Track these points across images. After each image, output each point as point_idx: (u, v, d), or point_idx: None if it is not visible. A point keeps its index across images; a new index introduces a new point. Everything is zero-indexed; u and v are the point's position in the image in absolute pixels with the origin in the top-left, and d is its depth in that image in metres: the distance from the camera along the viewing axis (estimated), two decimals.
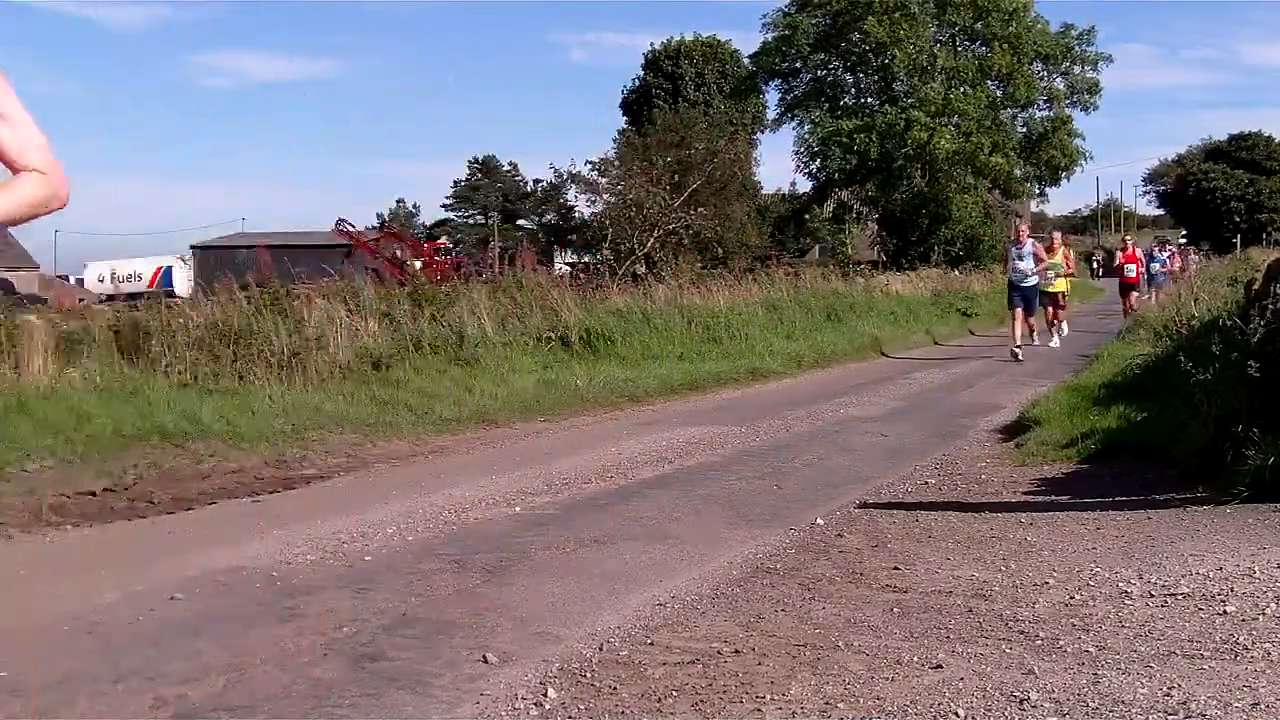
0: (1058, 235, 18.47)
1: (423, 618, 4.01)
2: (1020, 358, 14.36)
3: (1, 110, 2.14)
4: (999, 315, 22.30)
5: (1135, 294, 20.57)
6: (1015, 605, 3.93)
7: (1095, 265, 51.92)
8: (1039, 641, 3.50)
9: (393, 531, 5.39)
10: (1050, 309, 17.18)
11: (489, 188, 74.94)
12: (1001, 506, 5.72)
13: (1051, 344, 16.54)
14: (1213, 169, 68.60)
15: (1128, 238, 23.20)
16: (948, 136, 31.22)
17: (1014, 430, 8.51)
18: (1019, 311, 14.93)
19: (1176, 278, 25.16)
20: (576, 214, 27.25)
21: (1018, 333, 14.81)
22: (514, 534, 5.36)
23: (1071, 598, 3.95)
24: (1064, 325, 17.48)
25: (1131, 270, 20.90)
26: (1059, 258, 16.94)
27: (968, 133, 31.88)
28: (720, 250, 22.90)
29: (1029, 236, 16.03)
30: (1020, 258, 15.24)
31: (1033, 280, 15.17)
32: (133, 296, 13.69)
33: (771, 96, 38.00)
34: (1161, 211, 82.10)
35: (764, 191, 41.03)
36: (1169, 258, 27.37)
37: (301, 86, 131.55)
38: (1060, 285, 17.01)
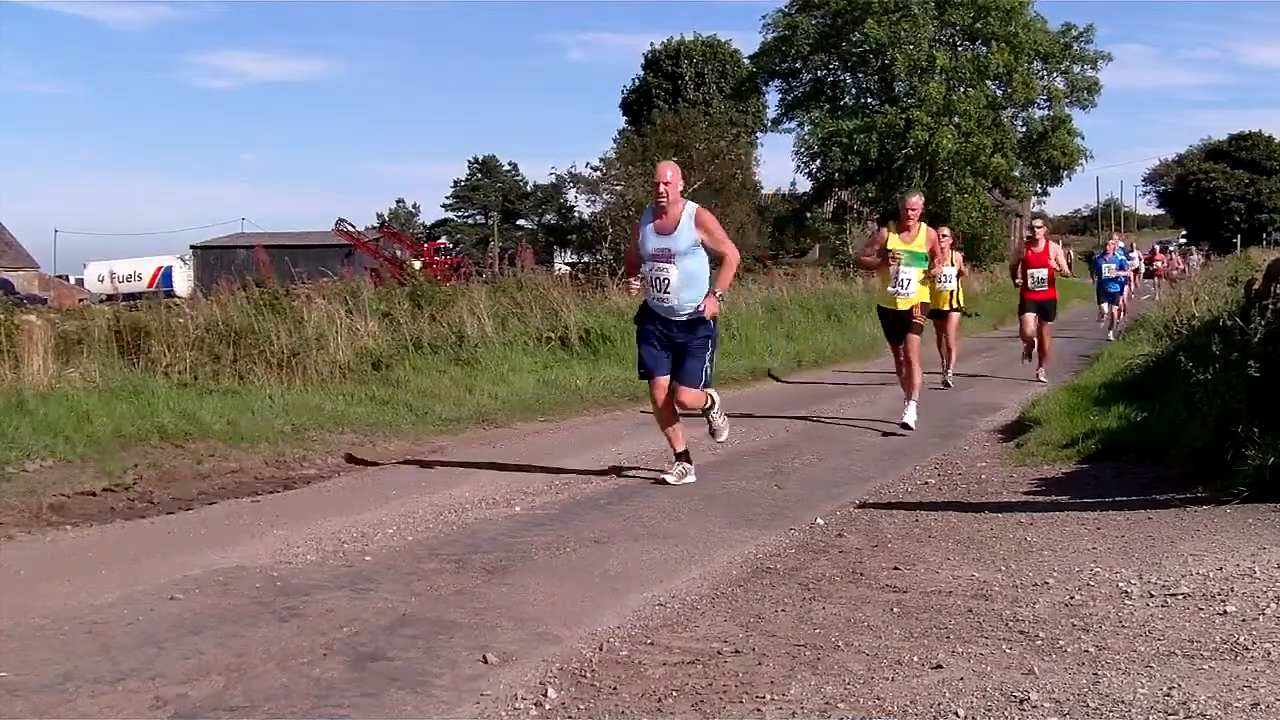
0: (914, 199, 9.02)
1: (423, 618, 4.01)
2: (678, 479, 6.54)
3: None
4: (998, 316, 22.27)
5: (1046, 319, 12.19)
6: (1015, 605, 3.93)
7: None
8: (1039, 641, 3.50)
9: (393, 531, 5.39)
10: (908, 345, 8.85)
11: (489, 188, 74.94)
12: (1001, 506, 5.72)
13: (905, 419, 8.74)
14: (1213, 169, 68.68)
15: (1037, 223, 13.06)
16: (949, 137, 31.27)
17: (1014, 430, 8.52)
18: (661, 384, 6.48)
19: (1175, 280, 23.91)
20: (576, 214, 27.30)
21: (676, 435, 6.63)
22: (514, 534, 5.35)
23: (1071, 598, 3.95)
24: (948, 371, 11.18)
25: (1042, 279, 12.01)
26: (918, 240, 8.76)
27: (968, 133, 31.93)
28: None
29: (674, 199, 6.41)
30: (665, 256, 6.35)
31: (688, 304, 6.34)
32: (132, 296, 13.71)
33: (772, 97, 38.16)
34: (1161, 211, 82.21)
35: (764, 191, 41.08)
36: (1142, 258, 24.28)
37: (301, 86, 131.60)
38: (921, 296, 8.88)
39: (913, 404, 8.87)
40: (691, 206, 6.47)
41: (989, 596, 4.06)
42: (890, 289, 8.90)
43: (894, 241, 8.85)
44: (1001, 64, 32.04)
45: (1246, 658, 3.21)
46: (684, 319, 6.40)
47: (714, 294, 6.44)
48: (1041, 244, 12.29)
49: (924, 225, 8.96)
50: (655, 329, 6.52)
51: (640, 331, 6.62)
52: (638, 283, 6.63)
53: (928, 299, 9.21)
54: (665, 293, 6.38)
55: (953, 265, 11.98)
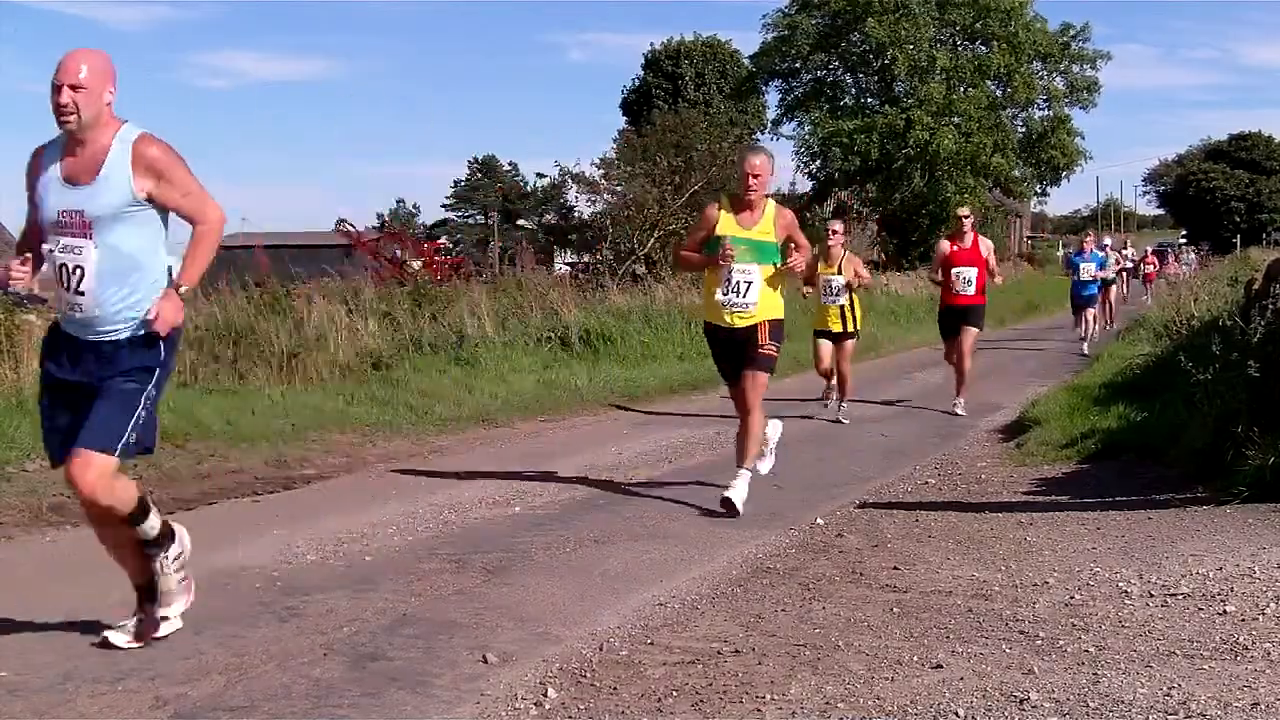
0: (757, 160, 5.93)
1: (423, 618, 4.01)
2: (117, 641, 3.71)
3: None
4: (997, 317, 22.26)
5: (973, 329, 9.94)
6: (1015, 605, 3.93)
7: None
8: (1039, 641, 3.50)
9: (393, 531, 5.39)
10: (746, 387, 5.92)
11: (489, 188, 74.92)
12: (1001, 506, 5.72)
13: (730, 492, 5.79)
14: (1213, 169, 68.64)
15: (963, 212, 10.58)
16: (950, 137, 31.31)
17: (1014, 430, 8.52)
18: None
19: (1173, 283, 23.57)
20: (576, 214, 27.30)
21: (132, 562, 3.87)
22: (514, 534, 5.36)
23: (1071, 598, 3.95)
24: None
25: (970, 281, 9.90)
26: (763, 225, 5.91)
27: (968, 133, 31.97)
28: None
29: (97, 119, 3.41)
30: (76, 225, 3.42)
31: (119, 313, 3.50)
32: None
33: (772, 97, 38.14)
34: (1161, 211, 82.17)
35: None
36: (1136, 259, 23.26)
37: (301, 86, 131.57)
38: (770, 309, 5.88)
39: (746, 474, 5.91)
40: (132, 130, 3.50)
41: (989, 596, 4.06)
42: (719, 297, 5.84)
43: (726, 224, 5.88)
44: (1001, 64, 32.08)
45: (1246, 658, 3.21)
46: (109, 338, 3.50)
47: (175, 289, 3.53)
48: (969, 238, 9.97)
49: (772, 202, 6.06)
50: (59, 372, 3.56)
51: (41, 385, 3.71)
52: (24, 276, 3.55)
53: (779, 313, 5.94)
54: (78, 294, 3.45)
55: (839, 273, 9.28)
